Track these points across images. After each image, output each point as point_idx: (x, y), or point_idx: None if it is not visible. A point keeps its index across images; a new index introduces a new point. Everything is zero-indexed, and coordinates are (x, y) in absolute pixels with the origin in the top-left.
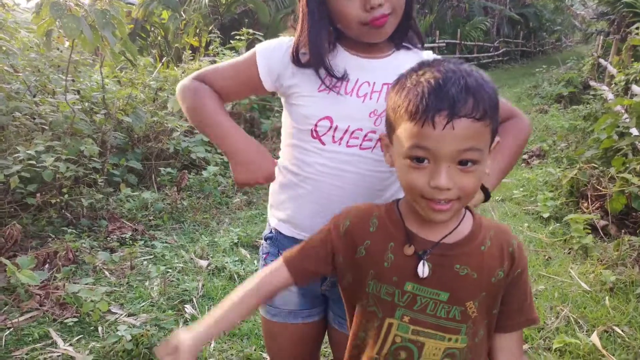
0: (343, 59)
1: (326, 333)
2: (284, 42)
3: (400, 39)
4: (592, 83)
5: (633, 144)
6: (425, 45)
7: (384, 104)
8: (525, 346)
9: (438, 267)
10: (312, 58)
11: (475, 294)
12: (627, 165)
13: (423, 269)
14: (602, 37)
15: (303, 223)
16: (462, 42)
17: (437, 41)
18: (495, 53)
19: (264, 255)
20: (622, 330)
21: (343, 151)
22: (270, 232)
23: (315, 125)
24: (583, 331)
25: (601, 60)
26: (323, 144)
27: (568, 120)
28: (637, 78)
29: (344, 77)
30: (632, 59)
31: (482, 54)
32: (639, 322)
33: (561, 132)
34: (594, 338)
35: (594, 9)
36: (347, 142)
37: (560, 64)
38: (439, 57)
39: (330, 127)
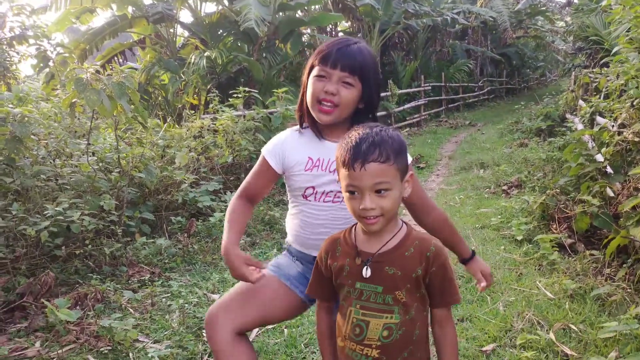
0: (314, 140)
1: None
2: (281, 135)
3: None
4: (567, 116)
5: (599, 169)
6: (412, 89)
7: None
8: (493, 344)
9: (375, 270)
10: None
11: (401, 286)
12: (591, 189)
13: (366, 272)
14: (574, 73)
15: (305, 244)
16: (447, 84)
17: (422, 85)
18: (480, 92)
19: (285, 252)
20: (578, 328)
21: (323, 205)
22: (289, 246)
23: (304, 191)
24: (544, 330)
25: (572, 95)
26: (309, 201)
27: (545, 152)
28: (600, 110)
29: (320, 160)
30: (594, 93)
31: (467, 94)
32: (592, 320)
33: (538, 163)
34: (552, 334)
35: (572, 44)
36: (324, 199)
37: (538, 100)
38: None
39: (313, 193)
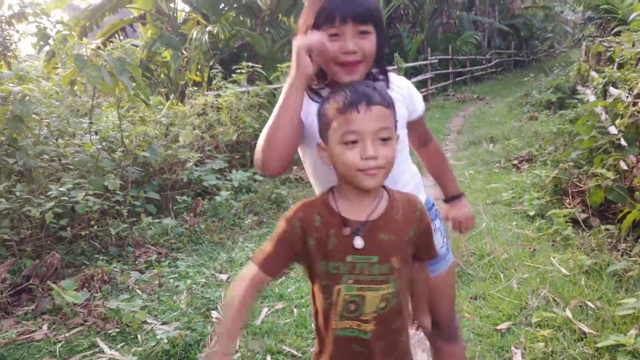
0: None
1: None
2: None
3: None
4: (578, 87)
5: (612, 141)
6: (418, 62)
7: None
8: (508, 322)
9: (369, 239)
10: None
11: (397, 252)
12: (605, 162)
13: (359, 243)
14: (584, 43)
15: None
16: (454, 57)
17: (429, 58)
18: (488, 65)
19: None
20: (595, 305)
21: None
22: None
23: None
24: (560, 307)
25: (586, 65)
26: None
27: (556, 125)
28: (614, 80)
29: None
30: (608, 63)
31: (475, 67)
32: (608, 296)
33: (549, 137)
34: (568, 311)
35: (582, 14)
36: None
37: (548, 72)
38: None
39: None
